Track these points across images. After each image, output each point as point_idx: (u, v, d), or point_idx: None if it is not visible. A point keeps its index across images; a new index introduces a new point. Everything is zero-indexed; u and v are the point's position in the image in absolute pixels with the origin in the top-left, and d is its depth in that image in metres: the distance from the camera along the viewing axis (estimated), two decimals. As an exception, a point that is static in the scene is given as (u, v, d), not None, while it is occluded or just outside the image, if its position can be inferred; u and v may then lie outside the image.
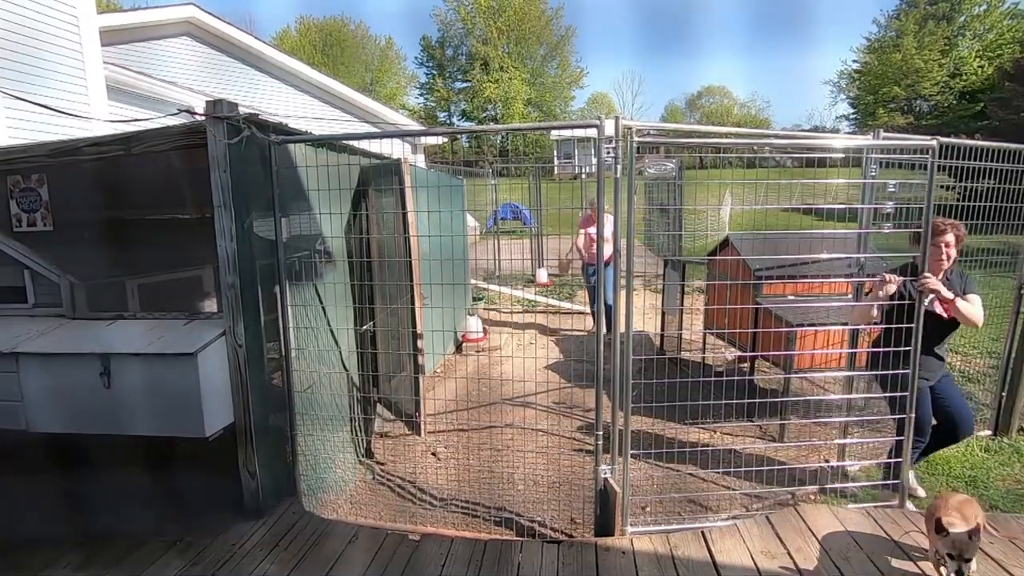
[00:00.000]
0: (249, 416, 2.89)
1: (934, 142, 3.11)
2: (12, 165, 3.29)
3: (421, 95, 47.73)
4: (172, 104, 7.89)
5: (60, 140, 3.18)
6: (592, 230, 6.05)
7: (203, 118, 2.72)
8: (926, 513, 2.42)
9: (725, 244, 5.08)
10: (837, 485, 3.32)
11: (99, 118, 6.08)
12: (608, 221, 5.64)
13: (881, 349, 3.03)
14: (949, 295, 2.95)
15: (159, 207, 4.55)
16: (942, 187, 5.11)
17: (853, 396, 3.59)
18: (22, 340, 2.99)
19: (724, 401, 3.19)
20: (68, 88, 5.97)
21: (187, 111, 2.88)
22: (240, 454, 2.93)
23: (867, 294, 3.26)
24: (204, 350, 2.77)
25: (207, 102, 2.72)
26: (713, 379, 3.82)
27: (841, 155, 3.28)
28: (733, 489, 3.39)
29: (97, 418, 2.89)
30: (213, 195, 2.75)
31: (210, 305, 4.74)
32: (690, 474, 3.54)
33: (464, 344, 6.64)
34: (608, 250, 5.57)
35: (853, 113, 41.38)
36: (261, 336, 2.97)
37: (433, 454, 3.97)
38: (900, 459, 2.98)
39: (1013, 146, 3.77)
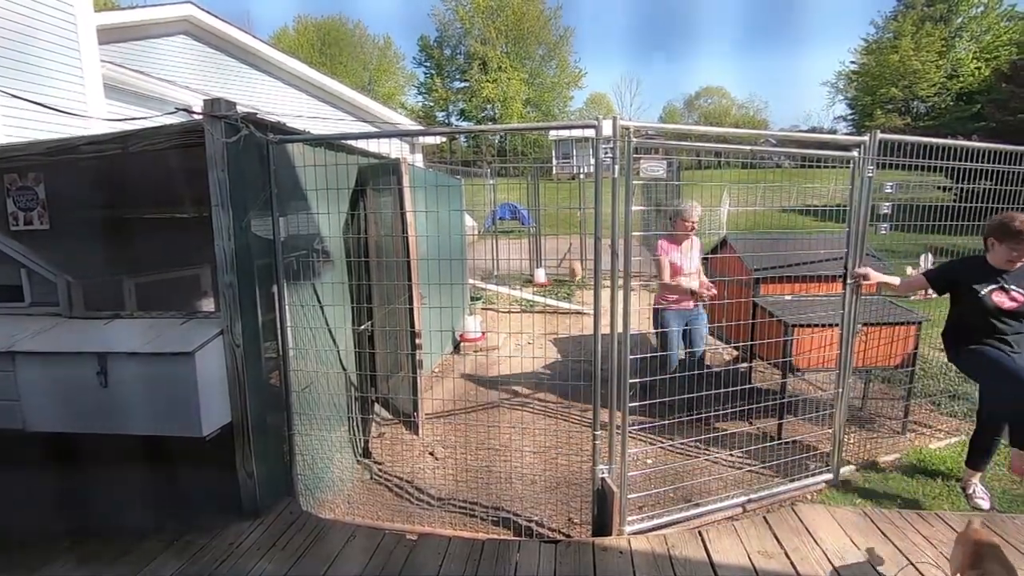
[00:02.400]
0: (246, 416, 2.89)
1: (866, 138, 3.13)
2: (9, 163, 3.28)
3: (419, 94, 47.77)
4: (170, 103, 7.88)
5: (57, 138, 3.17)
6: (675, 256, 4.15)
7: (201, 117, 2.72)
8: (959, 540, 2.25)
9: (723, 244, 5.10)
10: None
11: (96, 116, 6.07)
12: (694, 245, 4.29)
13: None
14: (880, 278, 3.20)
15: (157, 206, 4.54)
16: (939, 188, 5.13)
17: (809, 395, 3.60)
18: (18, 339, 2.98)
19: (723, 396, 3.20)
20: (65, 86, 5.95)
21: (185, 110, 2.87)
22: (237, 454, 2.93)
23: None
24: (201, 349, 2.76)
25: (205, 101, 2.71)
26: (707, 374, 3.83)
27: (836, 154, 3.29)
28: (730, 489, 3.39)
29: (94, 417, 2.88)
30: (211, 194, 2.74)
31: (208, 304, 4.73)
32: (688, 474, 3.54)
33: (462, 344, 6.64)
34: (692, 284, 4.18)
35: (851, 114, 41.51)
36: (259, 335, 2.97)
37: (431, 454, 3.97)
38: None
39: (1009, 147, 3.78)
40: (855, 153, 3.17)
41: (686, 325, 4.29)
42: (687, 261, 4.19)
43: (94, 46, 6.36)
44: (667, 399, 3.03)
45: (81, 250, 3.51)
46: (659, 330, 4.22)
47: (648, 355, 3.17)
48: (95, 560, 2.66)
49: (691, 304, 4.22)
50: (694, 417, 3.57)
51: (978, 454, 3.23)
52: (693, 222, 4.16)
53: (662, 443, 3.94)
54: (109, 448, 3.11)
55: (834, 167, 3.37)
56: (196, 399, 2.74)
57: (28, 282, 3.30)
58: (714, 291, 4.15)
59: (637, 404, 2.89)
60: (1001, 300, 2.97)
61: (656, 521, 2.99)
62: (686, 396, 3.07)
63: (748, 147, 3.14)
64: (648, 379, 3.09)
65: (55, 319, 3.20)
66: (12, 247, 3.28)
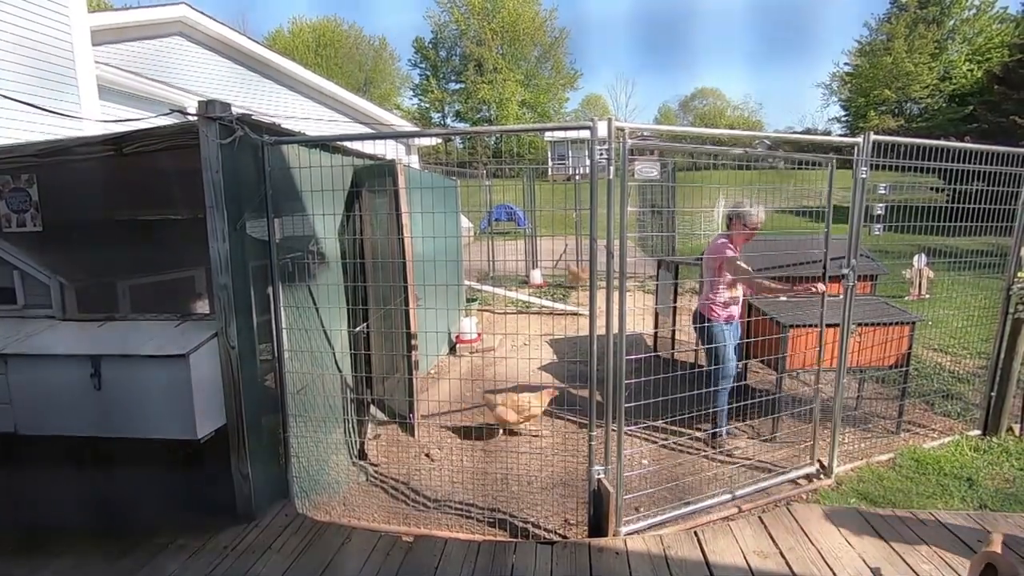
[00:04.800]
0: (242, 418, 2.88)
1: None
2: (2, 165, 3.26)
3: (415, 96, 47.74)
4: (164, 104, 7.86)
5: (50, 140, 3.16)
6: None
7: (195, 118, 2.71)
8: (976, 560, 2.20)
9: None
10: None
11: (90, 118, 6.04)
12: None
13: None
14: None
15: (151, 208, 4.52)
16: (932, 189, 5.17)
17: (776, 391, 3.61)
18: (11, 341, 2.96)
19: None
20: (59, 87, 5.92)
21: (179, 111, 2.87)
22: (232, 456, 2.92)
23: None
24: (196, 351, 2.75)
25: (199, 102, 2.71)
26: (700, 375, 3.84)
27: (826, 157, 3.31)
28: (726, 488, 3.40)
29: (87, 420, 2.87)
30: (205, 196, 2.73)
31: (202, 306, 4.71)
32: (683, 474, 3.55)
33: (458, 345, 6.63)
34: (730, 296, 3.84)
35: (845, 115, 41.73)
36: (254, 337, 2.96)
37: (427, 455, 3.97)
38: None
39: (1002, 149, 3.81)
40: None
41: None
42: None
43: (88, 47, 6.33)
44: (661, 401, 3.04)
45: (75, 252, 3.49)
46: (711, 345, 3.86)
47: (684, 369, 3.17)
48: (89, 564, 2.64)
49: (736, 314, 3.96)
50: (695, 419, 3.57)
51: None
52: (755, 228, 3.80)
53: (657, 442, 3.94)
54: (103, 451, 3.09)
55: (826, 168, 3.39)
56: (191, 401, 2.73)
57: (21, 284, 3.28)
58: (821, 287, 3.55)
59: (632, 404, 2.90)
60: None
61: (652, 521, 2.99)
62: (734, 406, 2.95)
63: (741, 149, 3.15)
64: (644, 379, 3.10)
65: (48, 321, 3.18)
66: (5, 249, 3.26)
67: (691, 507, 3.16)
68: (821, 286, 3.44)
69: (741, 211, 3.77)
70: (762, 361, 4.40)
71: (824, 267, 3.43)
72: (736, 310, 3.94)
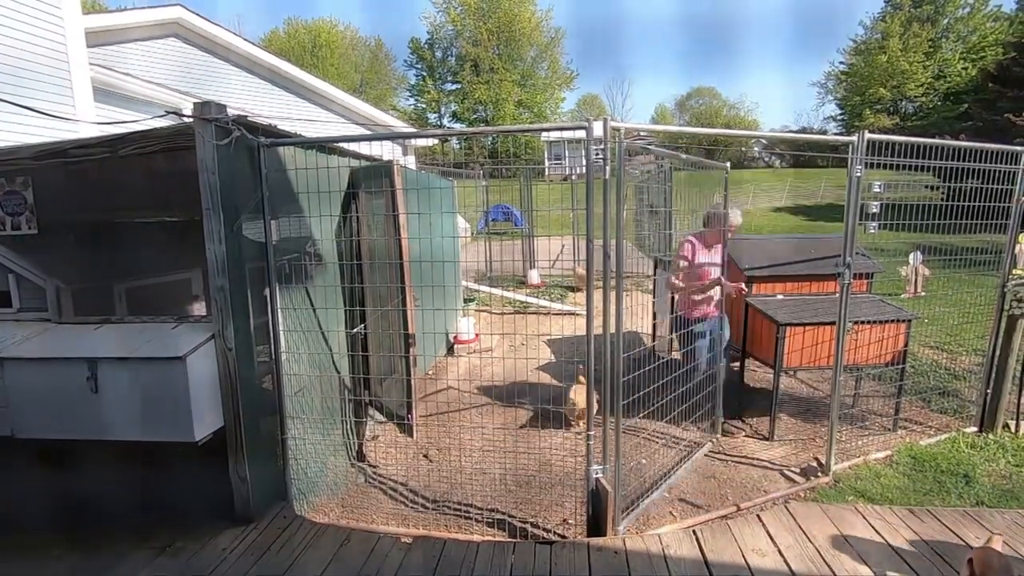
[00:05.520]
0: (239, 420, 2.87)
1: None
2: (-3, 167, 3.25)
3: (411, 97, 47.74)
4: (160, 106, 7.83)
5: (45, 142, 3.15)
6: (703, 258, 3.97)
7: (191, 120, 2.70)
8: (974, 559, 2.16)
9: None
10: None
11: (85, 120, 6.01)
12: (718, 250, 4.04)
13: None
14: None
15: (146, 210, 4.50)
16: (927, 187, 5.19)
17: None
18: (7, 345, 2.95)
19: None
20: (53, 89, 5.90)
21: (175, 113, 2.86)
22: (230, 458, 2.91)
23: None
24: (193, 353, 2.74)
25: (195, 104, 2.70)
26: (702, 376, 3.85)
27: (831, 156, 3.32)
28: (724, 488, 3.41)
29: (84, 423, 2.86)
30: (202, 198, 2.73)
31: (199, 308, 4.70)
32: (682, 477, 3.55)
33: (456, 346, 6.63)
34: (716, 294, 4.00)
35: (840, 114, 41.89)
36: (251, 339, 2.95)
37: (425, 456, 3.97)
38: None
39: (996, 146, 3.83)
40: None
41: (711, 334, 4.02)
42: (715, 266, 4.01)
43: (82, 49, 6.31)
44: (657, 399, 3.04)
45: (70, 255, 3.47)
46: (683, 332, 4.02)
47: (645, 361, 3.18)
48: (86, 568, 2.63)
49: (715, 311, 4.05)
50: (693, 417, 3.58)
51: None
52: (732, 228, 3.97)
53: (656, 441, 3.95)
54: (100, 454, 3.08)
55: (828, 166, 3.40)
56: (188, 404, 2.72)
57: (16, 287, 3.26)
58: (739, 286, 3.95)
59: (630, 400, 2.90)
60: None
61: (642, 508, 3.00)
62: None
63: (692, 163, 3.16)
64: (644, 371, 3.10)
65: (44, 324, 3.17)
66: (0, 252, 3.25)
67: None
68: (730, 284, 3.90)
69: (718, 212, 3.89)
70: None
71: (723, 263, 3.93)
72: (708, 307, 4.01)
